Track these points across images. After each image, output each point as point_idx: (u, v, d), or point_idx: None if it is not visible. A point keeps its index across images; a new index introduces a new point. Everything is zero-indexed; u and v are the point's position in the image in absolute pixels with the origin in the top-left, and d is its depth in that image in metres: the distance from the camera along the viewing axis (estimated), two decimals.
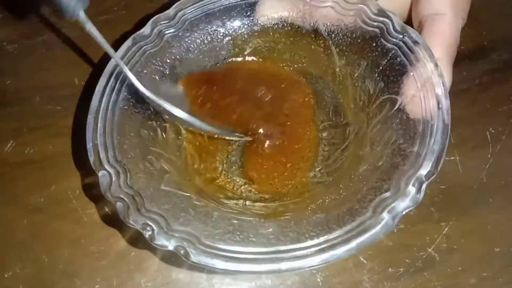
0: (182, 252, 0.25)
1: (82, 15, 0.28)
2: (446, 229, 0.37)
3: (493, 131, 0.41)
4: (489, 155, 0.40)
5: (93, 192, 0.38)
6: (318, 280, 0.35)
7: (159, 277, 0.35)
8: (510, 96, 0.42)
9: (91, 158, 0.29)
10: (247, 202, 0.34)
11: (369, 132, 0.33)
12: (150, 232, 0.26)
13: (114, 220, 0.37)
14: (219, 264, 0.25)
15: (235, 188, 0.35)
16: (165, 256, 0.35)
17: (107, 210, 0.37)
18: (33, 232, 0.36)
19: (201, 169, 0.35)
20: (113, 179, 0.28)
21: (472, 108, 0.42)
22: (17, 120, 0.40)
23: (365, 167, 0.31)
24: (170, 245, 0.26)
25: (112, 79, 0.31)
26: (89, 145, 0.29)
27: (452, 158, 0.39)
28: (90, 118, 0.30)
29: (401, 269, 0.36)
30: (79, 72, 0.42)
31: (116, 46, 0.42)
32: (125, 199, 0.27)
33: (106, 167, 0.28)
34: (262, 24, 0.36)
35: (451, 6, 0.32)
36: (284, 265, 0.25)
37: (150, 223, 0.26)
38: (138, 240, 0.36)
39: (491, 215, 0.38)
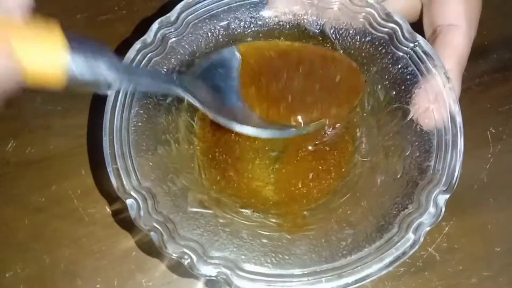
0: (223, 278, 0.25)
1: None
2: (447, 228, 0.37)
3: (493, 130, 0.41)
4: (489, 155, 0.40)
5: (94, 192, 0.38)
6: None
7: (160, 276, 0.35)
8: (510, 95, 0.42)
9: (114, 183, 0.28)
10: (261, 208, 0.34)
11: (382, 139, 0.33)
12: (189, 260, 0.26)
13: (115, 220, 0.37)
14: None
15: (248, 193, 0.35)
16: (166, 257, 0.35)
17: (108, 210, 0.37)
18: (34, 232, 0.36)
19: (213, 177, 0.35)
20: (141, 206, 0.27)
21: (473, 108, 0.42)
22: (18, 120, 0.40)
23: (383, 178, 0.31)
24: (211, 273, 0.26)
25: (120, 93, 0.30)
26: (109, 169, 0.28)
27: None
28: (105, 139, 0.29)
29: (401, 269, 0.36)
30: None
31: (117, 46, 0.42)
32: (158, 227, 0.26)
33: (133, 193, 0.27)
34: (275, 21, 0.35)
35: (466, 18, 0.32)
36: (323, 286, 0.26)
37: (188, 251, 0.26)
38: (139, 240, 0.36)
39: (492, 215, 0.38)
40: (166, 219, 0.27)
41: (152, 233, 0.26)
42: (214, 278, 0.26)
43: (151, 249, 0.36)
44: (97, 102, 0.40)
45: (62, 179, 0.38)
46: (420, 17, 0.35)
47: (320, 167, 0.35)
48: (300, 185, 0.35)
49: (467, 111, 0.41)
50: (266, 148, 0.36)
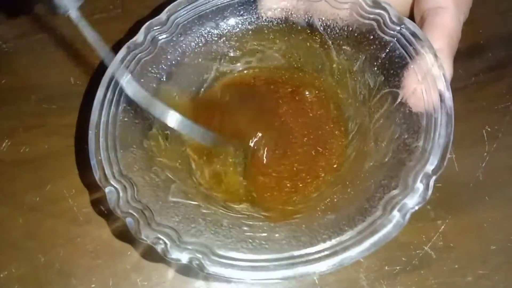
0: (196, 264, 0.25)
1: (74, 13, 0.28)
2: (443, 227, 0.37)
3: (489, 129, 0.41)
4: (485, 153, 0.40)
5: (89, 192, 0.38)
6: (315, 278, 0.35)
7: (155, 276, 0.35)
8: (506, 94, 0.42)
9: (96, 174, 0.28)
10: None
11: (372, 127, 0.33)
12: (162, 246, 0.26)
13: (110, 220, 0.37)
14: (234, 274, 0.25)
15: (240, 191, 0.35)
16: (161, 256, 0.35)
17: (103, 209, 0.37)
18: (28, 231, 0.36)
19: (205, 174, 0.35)
20: (121, 194, 0.27)
21: (468, 106, 0.42)
22: (12, 119, 0.40)
23: (371, 163, 0.31)
24: (184, 258, 0.25)
25: (109, 91, 0.31)
26: (93, 161, 0.28)
27: (449, 156, 0.38)
28: (91, 133, 0.29)
29: (397, 267, 0.36)
30: (75, 71, 0.42)
31: (112, 45, 0.42)
32: (135, 214, 0.27)
33: (112, 182, 0.28)
34: (265, 18, 0.35)
35: (454, 0, 0.32)
36: (299, 270, 0.25)
37: (162, 237, 0.26)
38: (134, 240, 0.35)
39: (488, 213, 0.38)
40: (144, 207, 0.27)
41: (128, 219, 0.26)
42: (187, 263, 0.25)
43: (146, 249, 0.36)
44: (92, 101, 0.40)
45: (56, 178, 0.38)
46: (412, 13, 0.36)
47: (311, 168, 0.35)
48: (290, 186, 0.35)
49: (462, 109, 0.41)
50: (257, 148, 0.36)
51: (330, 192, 0.32)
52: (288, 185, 0.35)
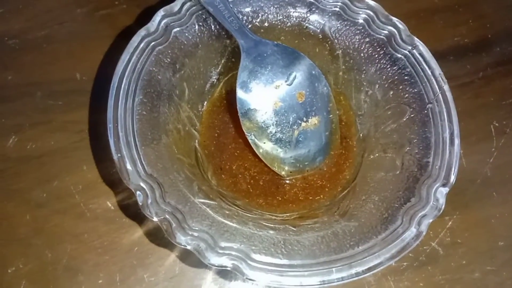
0: (237, 268, 0.26)
1: None
2: (450, 223, 0.37)
3: (497, 124, 0.41)
4: (493, 149, 0.39)
5: (96, 187, 0.37)
6: None
7: (162, 271, 0.35)
8: None
9: (121, 173, 0.27)
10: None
11: (379, 137, 0.34)
12: (200, 250, 0.26)
13: (117, 216, 0.37)
14: (274, 278, 0.26)
15: (243, 186, 0.35)
16: (168, 251, 0.35)
17: (110, 205, 0.37)
18: (35, 228, 0.36)
19: (212, 171, 0.35)
20: (149, 195, 0.27)
21: (476, 101, 0.42)
22: (18, 115, 0.40)
23: (382, 173, 0.32)
24: (225, 263, 0.26)
25: (124, 82, 0.30)
26: (115, 157, 0.28)
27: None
28: (110, 128, 0.28)
29: (404, 263, 0.36)
30: (81, 67, 0.42)
31: (118, 41, 0.42)
32: (168, 217, 0.27)
33: (140, 182, 0.27)
34: (272, 12, 0.36)
35: None
36: (334, 276, 0.26)
37: (199, 242, 0.26)
38: (141, 235, 0.36)
39: (495, 209, 0.37)
40: (175, 209, 0.27)
41: (161, 222, 0.26)
42: (227, 268, 0.26)
43: (153, 244, 0.36)
44: (98, 97, 0.40)
45: (63, 174, 0.38)
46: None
47: (320, 173, 0.36)
48: (299, 191, 0.35)
49: (470, 104, 0.41)
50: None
51: (339, 196, 0.33)
52: (295, 191, 0.35)
